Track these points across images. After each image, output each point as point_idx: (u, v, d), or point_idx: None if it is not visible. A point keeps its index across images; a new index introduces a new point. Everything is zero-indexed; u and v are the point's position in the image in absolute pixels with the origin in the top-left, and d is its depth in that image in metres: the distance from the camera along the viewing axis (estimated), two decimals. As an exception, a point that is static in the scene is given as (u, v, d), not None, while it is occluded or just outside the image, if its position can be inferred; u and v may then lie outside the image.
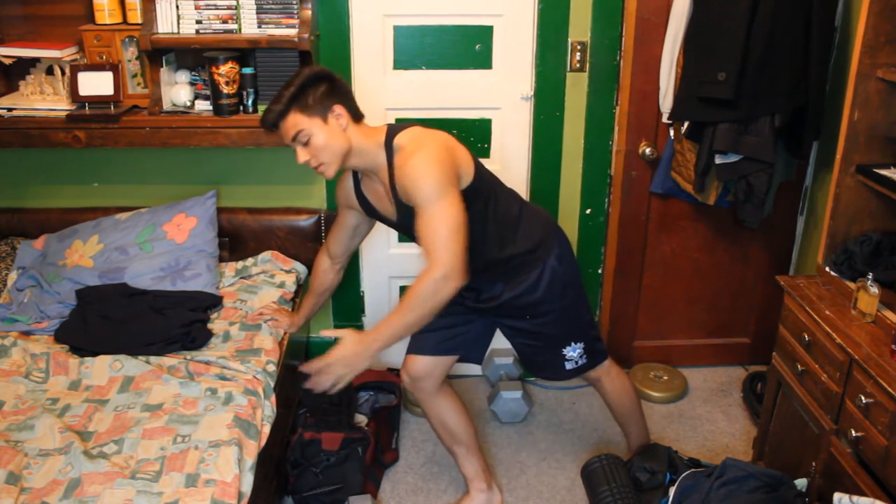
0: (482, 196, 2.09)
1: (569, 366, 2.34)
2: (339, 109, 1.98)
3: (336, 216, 2.35)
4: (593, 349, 2.36)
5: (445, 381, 2.41)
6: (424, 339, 2.34)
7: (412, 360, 2.35)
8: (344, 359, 1.93)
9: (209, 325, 2.42)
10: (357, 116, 2.04)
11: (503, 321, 2.33)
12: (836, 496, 1.73)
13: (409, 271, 2.98)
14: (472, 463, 2.45)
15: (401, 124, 2.07)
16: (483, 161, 2.85)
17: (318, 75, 1.98)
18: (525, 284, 2.20)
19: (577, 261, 2.33)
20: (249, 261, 2.79)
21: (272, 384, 2.21)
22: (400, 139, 1.99)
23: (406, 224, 2.05)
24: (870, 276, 2.00)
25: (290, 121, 1.95)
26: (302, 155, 1.98)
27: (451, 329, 2.34)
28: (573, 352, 2.32)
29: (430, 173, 1.89)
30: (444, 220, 1.88)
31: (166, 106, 2.59)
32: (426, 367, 2.34)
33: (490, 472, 2.52)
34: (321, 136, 1.95)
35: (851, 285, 2.11)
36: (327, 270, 2.43)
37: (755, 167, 2.52)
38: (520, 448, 2.79)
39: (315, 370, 1.95)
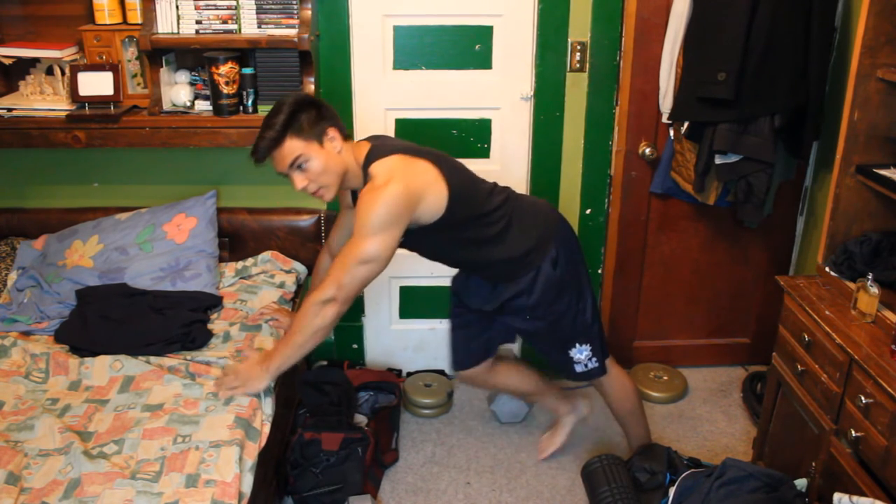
0: (452, 227, 2.13)
1: (578, 368, 2.37)
2: (332, 132, 2.02)
3: (338, 216, 2.37)
4: (601, 353, 2.38)
5: (491, 361, 2.57)
6: (464, 355, 2.54)
7: (461, 374, 2.59)
8: (239, 373, 2.08)
9: (209, 326, 2.42)
10: (346, 137, 2.08)
11: (508, 320, 2.36)
12: (836, 496, 1.73)
13: (408, 271, 2.99)
14: (549, 399, 2.70)
15: (384, 146, 2.09)
16: (483, 161, 2.89)
17: (306, 100, 2.01)
18: (519, 286, 2.24)
19: (580, 261, 2.33)
20: (249, 261, 2.79)
21: (272, 384, 2.21)
22: (375, 168, 2.03)
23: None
24: (870, 276, 2.00)
25: (286, 147, 1.97)
26: (300, 181, 2.02)
27: (480, 336, 2.50)
28: (580, 353, 2.34)
29: (377, 210, 1.96)
30: (361, 251, 1.97)
31: (166, 106, 2.59)
32: (473, 373, 2.57)
33: (565, 394, 2.73)
34: (319, 161, 2.00)
35: (851, 285, 2.11)
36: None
37: (755, 167, 2.52)
38: (520, 448, 2.79)
39: (222, 374, 2.12)
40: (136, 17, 2.53)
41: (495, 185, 2.27)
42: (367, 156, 2.06)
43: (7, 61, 2.59)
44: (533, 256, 2.21)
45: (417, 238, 2.13)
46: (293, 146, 1.97)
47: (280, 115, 1.96)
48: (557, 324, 2.30)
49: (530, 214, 2.26)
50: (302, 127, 1.97)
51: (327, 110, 2.04)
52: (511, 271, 2.23)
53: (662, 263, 3.10)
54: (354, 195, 2.19)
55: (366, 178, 2.05)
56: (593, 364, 2.36)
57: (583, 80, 2.82)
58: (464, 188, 2.12)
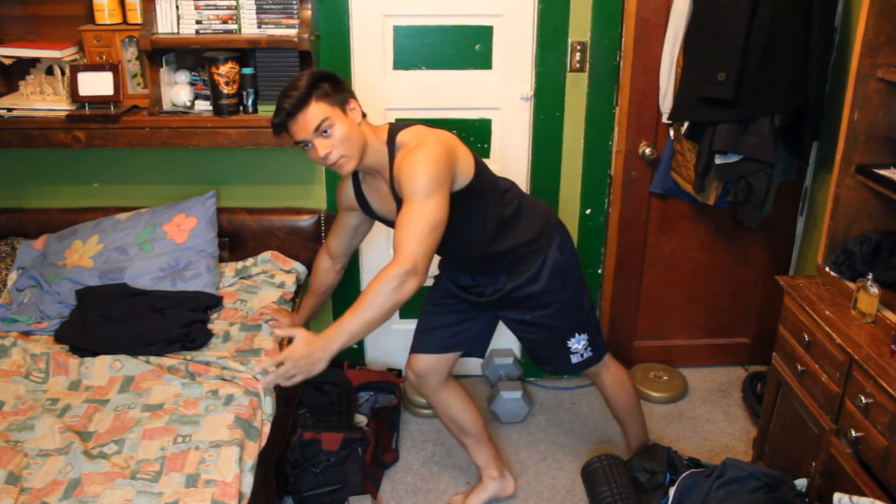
0: (482, 195, 2.09)
1: (574, 359, 2.35)
2: (353, 103, 1.98)
3: (336, 217, 2.36)
4: (596, 342, 2.37)
5: (450, 376, 2.42)
6: (427, 338, 2.36)
7: (416, 358, 2.37)
8: (294, 359, 1.83)
9: (209, 326, 2.42)
10: (363, 114, 2.04)
11: (506, 314, 2.34)
12: (836, 496, 1.73)
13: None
14: (483, 452, 2.48)
15: (403, 122, 2.08)
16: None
17: (325, 74, 1.97)
18: (527, 275, 2.21)
19: (577, 251, 2.34)
20: (249, 261, 2.79)
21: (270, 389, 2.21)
22: (402, 136, 2.00)
23: None
24: (870, 276, 2.00)
25: (311, 110, 1.88)
26: (323, 147, 1.91)
27: (454, 326, 2.36)
28: (578, 343, 2.33)
29: (424, 169, 1.89)
30: (425, 216, 1.86)
31: (166, 106, 2.59)
32: (430, 364, 2.36)
33: (501, 460, 2.55)
34: (343, 127, 1.92)
35: (851, 285, 2.11)
36: (328, 270, 2.43)
37: (755, 167, 2.52)
38: (520, 448, 2.79)
39: (271, 367, 1.89)
40: (136, 17, 2.53)
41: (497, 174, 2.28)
42: (389, 131, 2.03)
43: (7, 61, 2.59)
44: (541, 241, 2.21)
45: (454, 211, 1.99)
46: (319, 109, 1.89)
47: (303, 81, 1.90)
48: (562, 312, 2.29)
49: (532, 203, 2.28)
50: (326, 92, 1.91)
51: (345, 85, 2.00)
52: (521, 257, 2.20)
53: (662, 263, 3.10)
54: (358, 194, 2.18)
55: (391, 150, 2.00)
56: (588, 353, 2.35)
57: (583, 80, 2.82)
58: (481, 161, 2.13)
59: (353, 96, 1.99)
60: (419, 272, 1.84)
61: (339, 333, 1.85)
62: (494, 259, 2.21)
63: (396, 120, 2.84)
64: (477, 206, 2.10)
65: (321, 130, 1.90)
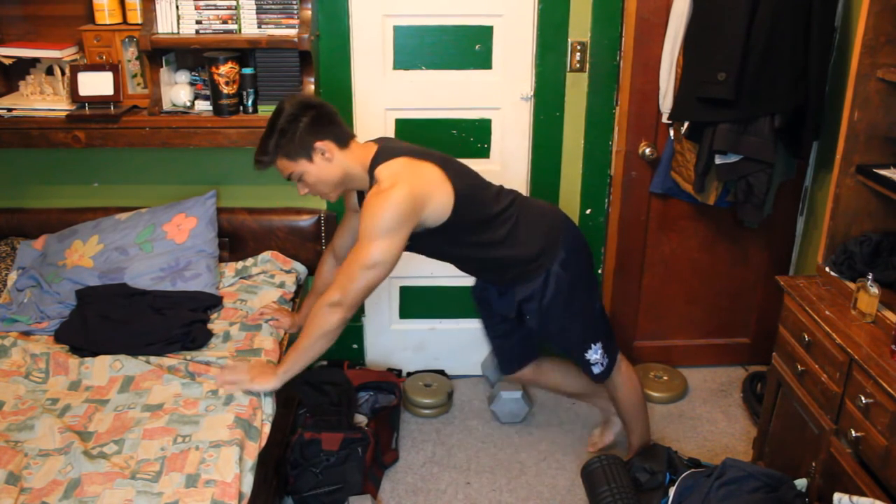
0: (462, 228, 2.14)
1: (596, 370, 2.39)
2: (321, 146, 2.05)
3: (342, 218, 2.42)
4: (609, 346, 2.39)
5: (540, 361, 2.59)
6: (506, 361, 2.58)
7: (511, 377, 2.64)
8: (250, 368, 2.12)
9: (209, 326, 2.42)
10: (344, 141, 2.09)
11: (529, 324, 2.36)
12: (836, 496, 1.73)
13: (409, 272, 2.98)
14: (600, 399, 2.69)
15: (391, 148, 2.12)
16: (483, 161, 2.89)
17: (297, 113, 2.03)
18: (531, 289, 2.25)
19: (587, 255, 2.34)
20: (249, 261, 2.79)
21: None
22: (380, 172, 2.05)
23: None
24: (870, 277, 2.00)
25: (279, 166, 2.08)
26: (301, 189, 2.12)
27: (520, 344, 2.53)
28: (595, 354, 2.36)
29: (381, 215, 1.98)
30: (366, 256, 2.00)
31: (166, 106, 2.59)
32: (520, 375, 2.61)
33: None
34: (312, 174, 2.08)
35: (851, 285, 2.11)
36: (333, 270, 2.44)
37: (755, 167, 2.52)
38: (520, 448, 2.79)
39: (229, 367, 2.14)
40: (136, 17, 2.53)
41: (501, 187, 2.27)
42: (373, 158, 2.09)
43: (7, 61, 2.59)
44: (543, 259, 2.21)
45: (424, 241, 2.13)
46: (284, 165, 2.07)
47: (272, 137, 2.03)
48: (571, 325, 2.32)
49: (536, 217, 2.26)
50: (290, 148, 2.04)
51: (324, 114, 2.07)
52: (521, 273, 2.24)
53: (662, 263, 3.10)
54: (361, 196, 2.19)
55: (372, 180, 2.06)
56: (606, 360, 2.38)
57: (583, 80, 2.82)
58: (470, 190, 2.13)
59: (325, 134, 2.04)
60: (345, 305, 2.04)
61: (285, 360, 2.14)
62: (496, 272, 2.28)
63: (396, 121, 2.86)
64: (452, 240, 2.16)
65: (295, 179, 2.10)
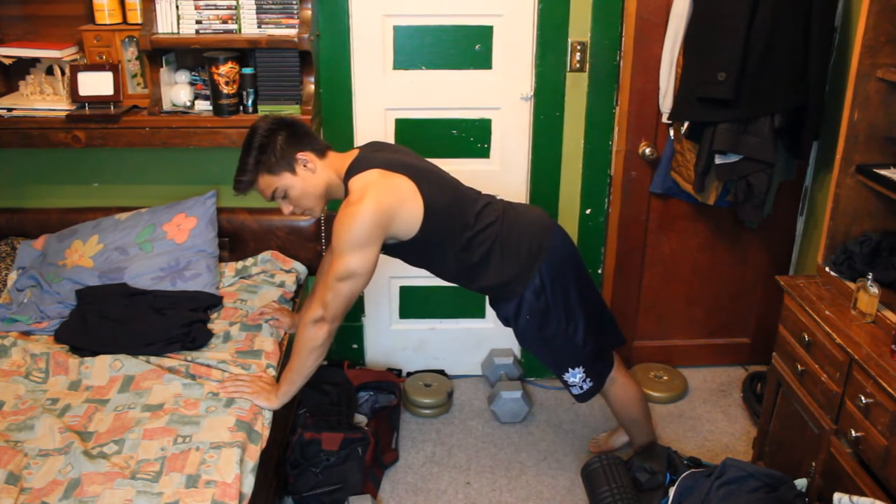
0: (433, 243, 2.14)
1: (575, 391, 2.39)
2: (302, 156, 2.06)
3: None
4: (595, 371, 2.36)
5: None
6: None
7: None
8: (256, 381, 2.13)
9: (209, 326, 2.42)
10: (322, 152, 2.11)
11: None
12: (836, 496, 1.73)
13: (409, 272, 2.97)
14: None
15: (366, 158, 2.11)
16: (483, 161, 2.89)
17: (273, 129, 2.05)
18: (508, 309, 2.27)
19: (572, 281, 2.24)
20: (249, 261, 2.79)
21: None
22: (353, 184, 2.06)
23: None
24: (870, 276, 2.00)
25: (261, 184, 2.07)
26: (285, 207, 2.12)
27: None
28: (574, 377, 2.35)
29: (347, 229, 1.99)
30: (339, 269, 2.01)
31: (166, 106, 2.59)
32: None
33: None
34: (297, 187, 2.07)
35: (851, 285, 2.11)
36: None
37: (755, 167, 2.52)
38: (520, 448, 2.79)
39: (234, 377, 2.14)
40: (136, 17, 2.53)
41: (490, 202, 2.23)
42: (348, 168, 2.09)
43: (7, 61, 2.59)
44: (515, 285, 2.20)
45: (400, 251, 2.17)
46: (267, 182, 2.06)
47: (251, 155, 2.03)
48: (546, 348, 2.32)
49: (515, 240, 2.18)
50: (271, 163, 2.03)
51: (298, 128, 2.09)
52: (497, 294, 2.27)
53: (662, 263, 3.10)
54: None
55: (346, 190, 2.08)
56: (588, 384, 2.36)
57: (583, 80, 2.82)
58: (444, 207, 2.11)
59: (303, 146, 2.05)
60: (327, 319, 2.07)
61: (282, 381, 2.16)
62: (475, 289, 2.29)
63: (396, 121, 2.86)
64: (426, 253, 2.18)
65: (279, 196, 2.09)
